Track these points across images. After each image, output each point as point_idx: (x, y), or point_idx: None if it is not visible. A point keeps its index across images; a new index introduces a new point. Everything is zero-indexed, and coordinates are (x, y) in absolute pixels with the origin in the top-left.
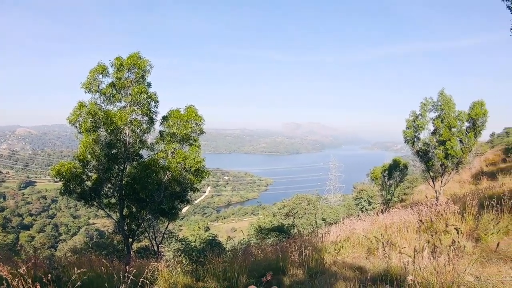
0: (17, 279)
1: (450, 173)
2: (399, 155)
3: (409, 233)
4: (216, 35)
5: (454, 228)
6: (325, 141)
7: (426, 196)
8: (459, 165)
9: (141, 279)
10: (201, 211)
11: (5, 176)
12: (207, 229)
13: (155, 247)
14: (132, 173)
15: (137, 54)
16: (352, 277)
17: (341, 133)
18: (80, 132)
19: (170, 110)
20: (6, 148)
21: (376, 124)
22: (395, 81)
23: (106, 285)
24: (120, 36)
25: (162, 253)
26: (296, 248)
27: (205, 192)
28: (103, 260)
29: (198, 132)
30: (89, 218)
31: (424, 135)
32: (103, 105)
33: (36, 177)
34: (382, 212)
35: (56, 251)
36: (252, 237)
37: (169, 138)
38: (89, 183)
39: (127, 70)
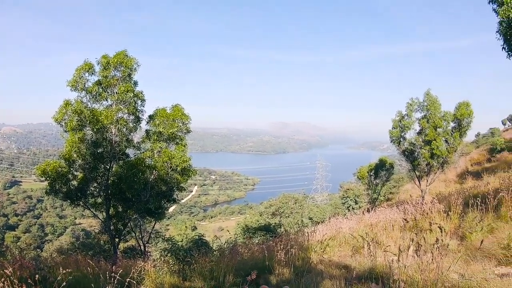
0: (3, 280)
1: (436, 172)
2: (386, 155)
3: (395, 231)
4: (197, 34)
5: (438, 226)
6: (312, 141)
7: (410, 195)
8: (445, 165)
9: (128, 279)
10: (188, 211)
11: None
12: (194, 228)
13: (142, 247)
14: (118, 173)
15: (123, 52)
16: (338, 276)
17: (329, 133)
18: (66, 131)
19: (157, 109)
20: None
21: (365, 125)
22: (386, 82)
23: (93, 285)
24: (110, 36)
25: (149, 253)
26: (282, 247)
27: (192, 191)
28: (89, 260)
29: (185, 131)
30: (75, 218)
31: (410, 135)
32: (89, 103)
33: (21, 177)
34: (368, 211)
35: (42, 251)
36: (239, 236)
37: (155, 137)
38: (75, 182)
39: (113, 68)
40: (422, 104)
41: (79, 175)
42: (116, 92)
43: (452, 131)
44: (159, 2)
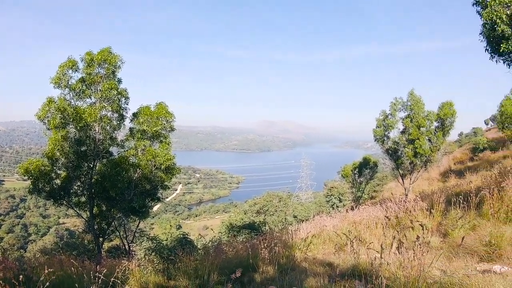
0: None
1: (419, 171)
2: (370, 153)
3: (378, 229)
4: (180, 32)
5: (419, 224)
6: (297, 139)
7: (392, 194)
8: (428, 163)
9: (112, 279)
10: (173, 209)
11: None
12: (179, 227)
13: (126, 246)
14: (102, 171)
15: (108, 49)
16: (322, 273)
17: (316, 132)
18: (49, 129)
19: (140, 107)
20: None
21: (352, 124)
22: (378, 81)
23: (77, 285)
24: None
25: (133, 252)
26: (267, 245)
27: (176, 189)
28: (73, 260)
29: (169, 129)
30: (59, 218)
31: (394, 134)
32: (72, 101)
33: (4, 176)
34: (352, 209)
35: (26, 252)
36: (224, 234)
37: (139, 135)
38: (58, 181)
39: (97, 66)
40: (406, 103)
41: (62, 173)
42: (100, 90)
43: (435, 130)
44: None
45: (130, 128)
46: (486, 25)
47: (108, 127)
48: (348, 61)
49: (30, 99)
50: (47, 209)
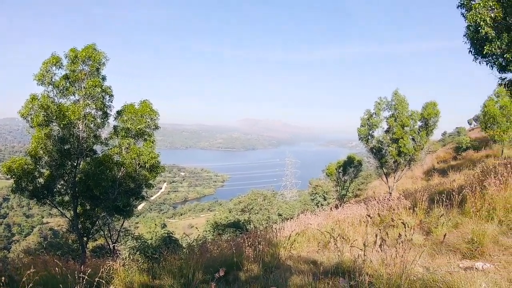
0: None
1: (403, 169)
2: (354, 152)
3: (362, 227)
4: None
5: (401, 222)
6: (282, 138)
7: (373, 192)
8: (411, 162)
9: (97, 279)
10: (158, 208)
11: None
12: (164, 226)
13: (111, 246)
14: (86, 169)
15: (92, 46)
16: (306, 271)
17: (302, 131)
18: (32, 127)
19: (125, 105)
20: None
21: (339, 123)
22: (372, 81)
23: (61, 286)
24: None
25: (118, 252)
26: (251, 243)
27: (161, 188)
28: (57, 261)
29: (153, 127)
30: (43, 217)
31: (378, 133)
32: (56, 98)
33: None
34: (336, 207)
35: (9, 252)
36: (209, 233)
37: (123, 133)
38: (41, 180)
39: (81, 62)
40: (390, 103)
41: (46, 172)
42: (84, 87)
43: (419, 129)
44: None
45: (114, 126)
46: (470, 27)
47: (92, 125)
48: (335, 60)
49: (13, 97)
50: (30, 209)
